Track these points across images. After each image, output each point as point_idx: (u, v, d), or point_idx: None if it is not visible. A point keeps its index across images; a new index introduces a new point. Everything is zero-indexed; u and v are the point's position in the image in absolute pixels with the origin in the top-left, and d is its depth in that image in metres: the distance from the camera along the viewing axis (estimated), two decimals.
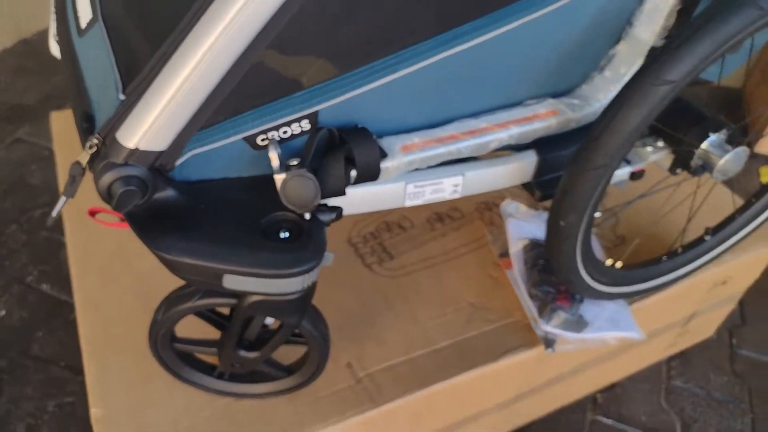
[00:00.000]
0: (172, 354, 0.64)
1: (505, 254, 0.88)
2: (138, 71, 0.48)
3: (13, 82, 1.61)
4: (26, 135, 1.44)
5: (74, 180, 0.49)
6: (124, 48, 0.54)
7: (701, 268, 0.87)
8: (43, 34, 1.79)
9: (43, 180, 1.32)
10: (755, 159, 1.56)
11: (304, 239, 0.52)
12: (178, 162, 0.51)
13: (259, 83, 0.49)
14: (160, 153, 0.48)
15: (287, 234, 0.53)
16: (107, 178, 0.47)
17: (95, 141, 0.48)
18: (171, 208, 0.51)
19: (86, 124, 0.51)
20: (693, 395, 1.04)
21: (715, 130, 0.70)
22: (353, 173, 0.54)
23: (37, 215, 1.24)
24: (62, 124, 1.07)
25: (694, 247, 0.84)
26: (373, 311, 0.82)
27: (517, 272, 0.84)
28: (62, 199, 0.50)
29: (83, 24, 0.62)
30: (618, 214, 0.96)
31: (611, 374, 1.03)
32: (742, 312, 1.18)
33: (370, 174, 0.55)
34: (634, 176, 0.75)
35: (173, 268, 0.51)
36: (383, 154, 0.55)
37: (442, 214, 0.97)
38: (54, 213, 0.50)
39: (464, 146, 0.59)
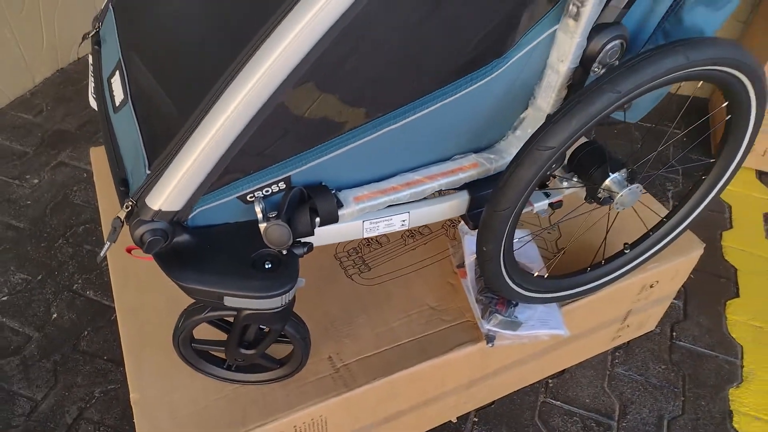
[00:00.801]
0: (191, 351, 0.84)
1: (461, 265, 1.06)
2: (159, 150, 0.68)
3: (54, 110, 1.84)
4: (68, 158, 1.67)
5: (115, 230, 0.69)
6: (148, 129, 0.73)
7: (626, 275, 1.05)
8: (79, 64, 2.02)
9: (84, 199, 1.55)
10: None
11: (282, 269, 0.72)
12: (191, 216, 0.71)
13: (247, 159, 0.69)
14: (177, 212, 0.68)
15: (270, 265, 0.72)
16: (139, 231, 0.67)
17: (130, 203, 0.68)
18: (186, 247, 0.71)
19: (123, 188, 0.72)
20: (632, 381, 1.22)
21: (615, 170, 0.87)
22: (317, 220, 0.73)
23: (81, 231, 1.47)
24: (100, 157, 1.28)
25: (616, 259, 1.02)
26: (351, 314, 1.01)
27: (469, 281, 1.02)
28: (107, 244, 0.70)
29: (117, 102, 0.82)
30: (560, 228, 1.14)
31: (561, 362, 1.21)
32: (685, 308, 1.35)
33: (331, 220, 0.74)
34: (554, 206, 0.93)
35: (188, 292, 0.71)
36: (340, 204, 0.75)
37: (414, 231, 1.16)
38: (102, 254, 0.70)
39: (402, 195, 0.78)
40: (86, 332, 1.26)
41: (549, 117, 0.75)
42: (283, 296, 0.72)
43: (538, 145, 0.72)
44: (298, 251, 0.74)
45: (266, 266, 0.72)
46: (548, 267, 1.07)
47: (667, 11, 0.80)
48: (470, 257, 1.04)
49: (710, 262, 1.45)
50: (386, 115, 0.72)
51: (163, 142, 0.68)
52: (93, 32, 1.00)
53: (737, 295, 1.38)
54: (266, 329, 0.82)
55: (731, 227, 1.54)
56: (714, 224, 1.54)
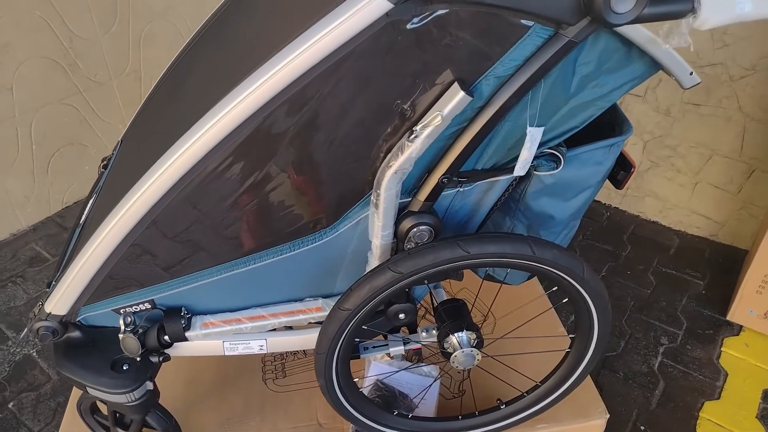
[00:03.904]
0: (94, 421, 1.05)
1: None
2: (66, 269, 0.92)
3: None
4: None
5: (30, 320, 0.94)
6: (71, 254, 0.98)
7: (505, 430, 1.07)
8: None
9: None
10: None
11: (130, 373, 0.91)
12: (82, 317, 0.94)
13: (117, 283, 0.90)
14: (63, 315, 0.91)
15: (127, 367, 0.92)
16: (35, 326, 0.91)
17: (40, 303, 0.93)
18: (74, 342, 0.94)
19: (47, 289, 0.97)
20: None
21: (455, 331, 0.94)
22: (166, 337, 0.92)
23: None
24: None
25: (489, 413, 1.05)
26: (249, 415, 1.16)
27: None
28: (25, 330, 0.95)
29: (81, 220, 1.09)
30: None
31: None
32: None
33: (178, 339, 0.92)
34: (412, 352, 1.01)
35: (64, 378, 0.92)
36: (188, 327, 0.92)
37: None
38: (21, 336, 0.95)
39: (245, 327, 0.93)
40: None
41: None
42: (128, 395, 0.90)
43: (339, 305, 0.85)
44: (153, 359, 0.93)
45: (124, 368, 0.92)
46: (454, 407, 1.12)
47: (496, 201, 0.89)
48: (370, 380, 1.14)
49: None
50: (232, 262, 0.90)
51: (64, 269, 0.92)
52: (109, 156, 1.31)
53: None
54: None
55: (718, 398, 1.42)
56: (698, 390, 1.44)
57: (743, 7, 0.58)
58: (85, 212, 1.10)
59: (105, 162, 1.27)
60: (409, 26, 0.69)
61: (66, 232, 2.06)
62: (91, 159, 2.20)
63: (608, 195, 2.07)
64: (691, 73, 0.77)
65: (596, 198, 2.14)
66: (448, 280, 1.21)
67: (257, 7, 1.04)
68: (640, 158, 1.89)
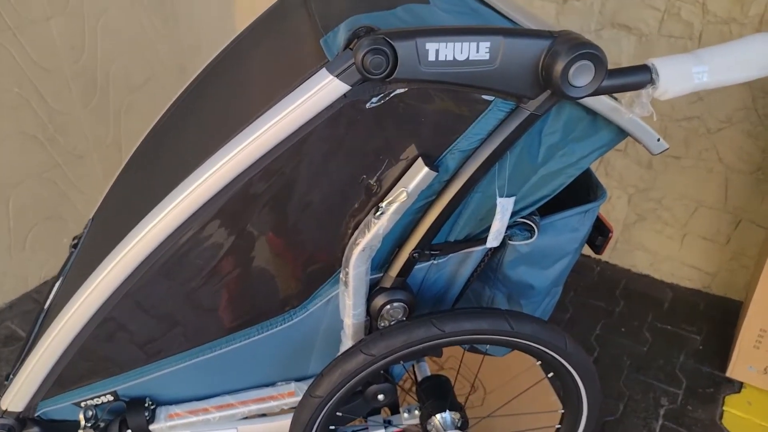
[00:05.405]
0: None
1: None
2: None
3: None
4: None
5: None
6: (32, 344, 0.94)
7: None
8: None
9: None
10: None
11: None
12: (41, 411, 0.88)
13: (75, 376, 0.85)
14: (19, 412, 0.85)
15: None
16: None
17: None
18: None
19: (6, 381, 0.92)
20: None
21: (439, 411, 0.89)
22: (129, 431, 0.86)
23: None
24: None
25: None
26: None
27: None
28: None
29: (45, 305, 1.05)
30: None
31: None
32: None
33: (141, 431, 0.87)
34: None
35: None
36: (152, 419, 0.87)
37: None
38: None
39: (212, 417, 0.88)
40: None
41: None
42: None
43: (310, 391, 0.80)
44: None
45: None
46: None
47: (473, 272, 0.85)
48: None
49: None
50: (198, 348, 0.85)
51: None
52: (80, 235, 1.28)
53: None
54: None
55: None
56: None
57: (701, 77, 0.57)
58: (51, 295, 1.06)
59: (75, 241, 1.24)
60: (368, 105, 0.67)
61: None
62: (70, 233, 2.17)
63: None
64: (659, 139, 0.76)
65: (585, 252, 2.11)
66: None
67: (228, 83, 1.03)
68: (626, 211, 1.88)
